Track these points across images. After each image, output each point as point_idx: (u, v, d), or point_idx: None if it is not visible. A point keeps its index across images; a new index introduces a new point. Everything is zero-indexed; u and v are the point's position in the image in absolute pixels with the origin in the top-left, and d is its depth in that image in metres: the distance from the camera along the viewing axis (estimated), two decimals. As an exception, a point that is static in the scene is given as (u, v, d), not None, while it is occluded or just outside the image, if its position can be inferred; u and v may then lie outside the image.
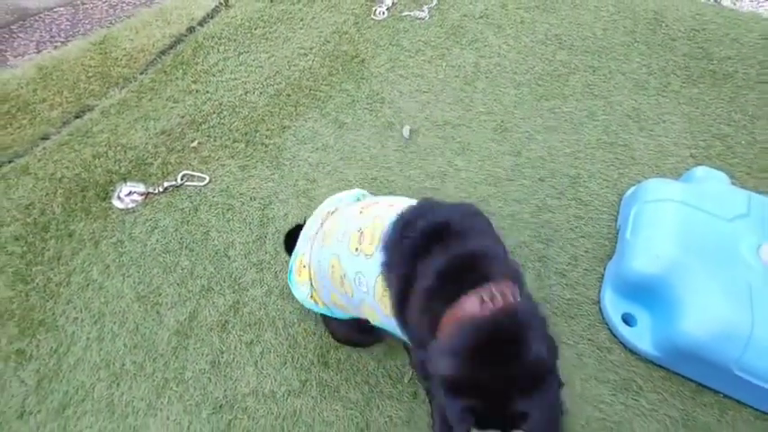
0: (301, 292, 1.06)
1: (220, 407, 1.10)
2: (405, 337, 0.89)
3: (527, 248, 1.40)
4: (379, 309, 0.86)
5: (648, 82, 1.93)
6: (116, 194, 1.49)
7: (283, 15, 2.14)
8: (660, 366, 1.17)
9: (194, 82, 1.83)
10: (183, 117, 1.71)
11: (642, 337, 1.19)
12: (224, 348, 1.19)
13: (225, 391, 1.12)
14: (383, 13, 2.22)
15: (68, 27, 2.20)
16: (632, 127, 1.77)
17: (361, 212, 0.95)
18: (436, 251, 0.76)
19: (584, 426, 1.09)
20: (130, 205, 1.47)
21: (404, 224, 0.82)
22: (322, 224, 1.06)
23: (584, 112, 1.82)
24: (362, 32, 2.09)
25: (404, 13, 2.22)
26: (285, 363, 1.17)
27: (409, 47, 2.02)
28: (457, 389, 0.68)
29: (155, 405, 1.10)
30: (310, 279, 1.03)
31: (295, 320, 1.24)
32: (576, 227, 1.46)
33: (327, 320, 1.13)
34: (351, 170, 1.57)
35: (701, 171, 1.41)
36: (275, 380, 1.14)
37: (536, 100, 1.86)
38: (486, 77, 1.94)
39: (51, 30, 2.18)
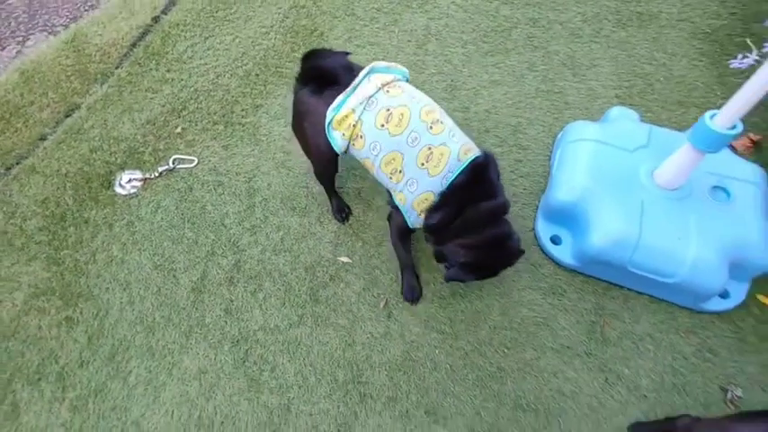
0: (335, 138, 1.24)
1: (237, 341, 1.40)
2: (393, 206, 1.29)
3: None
4: (409, 203, 1.21)
5: (583, 29, 2.12)
6: (117, 182, 1.70)
7: (241, -5, 2.24)
8: (580, 273, 1.48)
9: (168, 71, 1.98)
10: (163, 106, 1.89)
11: (565, 253, 1.49)
12: (233, 298, 1.47)
13: (239, 329, 1.42)
14: (336, -18, 2.32)
15: (26, 19, 2.26)
16: (567, 74, 1.98)
17: (431, 128, 1.18)
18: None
19: (520, 323, 1.41)
20: (132, 191, 1.69)
21: (465, 183, 1.17)
22: (380, 90, 1.19)
23: (525, 64, 2.02)
24: (318, 5, 2.21)
25: (355, -18, 2.32)
26: (284, 303, 1.46)
27: (363, 15, 2.16)
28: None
29: (185, 345, 1.39)
30: (351, 136, 1.21)
31: (288, 271, 1.51)
32: (516, 169, 1.72)
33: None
34: (321, 139, 1.79)
35: (615, 111, 1.66)
36: (278, 317, 1.43)
37: (482, 56, 2.05)
38: (437, 39, 2.11)
39: (10, 24, 2.23)
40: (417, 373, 1.34)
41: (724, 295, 1.40)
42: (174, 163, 1.73)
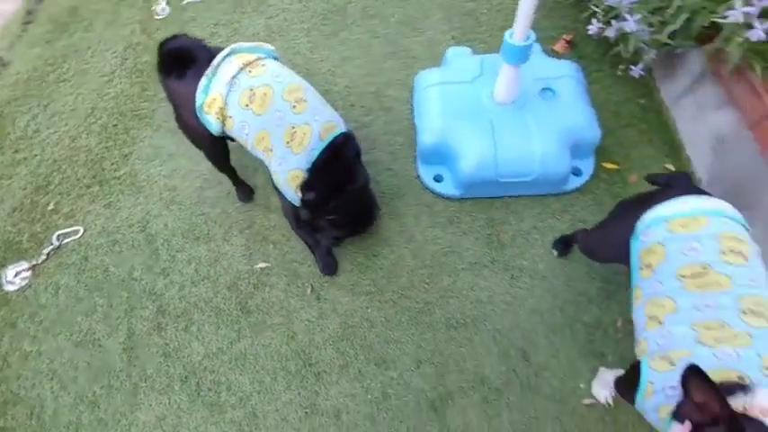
0: (209, 122, 1.29)
1: (185, 378, 1.43)
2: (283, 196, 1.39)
3: (359, 162, 1.79)
4: (283, 179, 1.30)
5: (408, -13, 2.29)
6: (4, 280, 1.61)
7: (68, 51, 2.14)
8: (466, 199, 1.68)
9: (16, 152, 1.86)
10: (24, 188, 1.78)
11: (449, 186, 1.68)
12: (168, 341, 1.49)
13: (183, 366, 1.44)
14: (164, 9, 2.28)
15: None
16: (407, 31, 2.15)
17: (294, 107, 1.25)
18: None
19: (431, 258, 1.58)
20: (23, 283, 1.61)
21: (326, 161, 1.27)
22: (242, 70, 1.23)
23: (368, 33, 2.16)
24: (153, 36, 2.17)
25: (184, 2, 2.30)
26: (219, 326, 1.50)
27: (203, 33, 2.16)
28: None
29: (135, 403, 1.40)
30: (223, 117, 1.26)
31: (212, 296, 1.55)
32: (389, 129, 1.87)
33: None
34: (202, 165, 1.80)
35: (450, 52, 1.86)
36: (217, 340, 1.48)
37: (327, 38, 2.15)
38: (280, 35, 2.18)
39: None
40: (358, 335, 1.46)
41: (577, 173, 1.66)
42: (58, 240, 1.66)
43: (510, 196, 1.66)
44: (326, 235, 1.45)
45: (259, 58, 1.32)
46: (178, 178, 1.79)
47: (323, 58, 2.09)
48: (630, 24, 1.56)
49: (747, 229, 1.02)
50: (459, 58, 1.80)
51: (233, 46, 1.32)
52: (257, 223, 1.68)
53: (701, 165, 1.61)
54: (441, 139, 1.62)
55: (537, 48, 1.84)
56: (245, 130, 1.27)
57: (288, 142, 1.25)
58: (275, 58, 1.40)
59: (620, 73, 1.77)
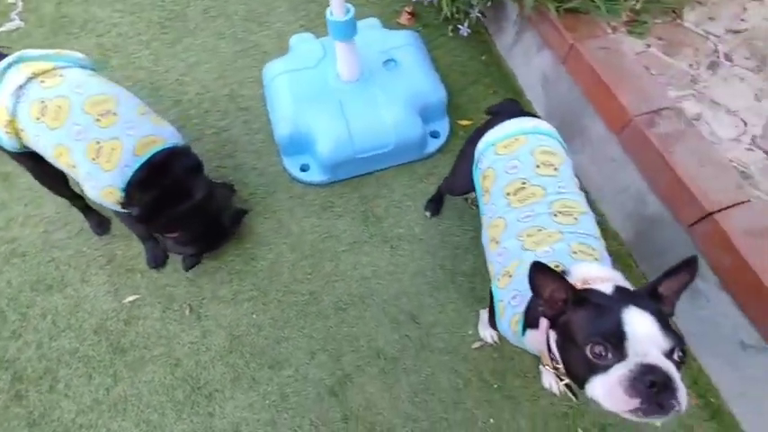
0: (1, 137, 1.16)
1: (59, 442, 1.28)
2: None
3: (219, 171, 1.71)
4: (96, 196, 1.20)
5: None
6: None
7: None
8: (336, 182, 1.67)
9: None
10: None
11: (315, 173, 1.66)
12: (31, 409, 1.32)
13: (54, 430, 1.29)
14: (-31, 44, 2.00)
15: None
16: (253, 27, 2.09)
17: (98, 121, 1.14)
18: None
19: (310, 248, 1.56)
20: None
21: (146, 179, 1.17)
22: (32, 80, 1.12)
23: (214, 35, 2.07)
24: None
25: (-5, 32, 2.04)
26: (91, 376, 1.36)
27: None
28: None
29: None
30: (15, 131, 1.15)
31: (77, 345, 1.40)
32: (249, 129, 1.81)
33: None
34: (44, 208, 1.61)
35: (293, 40, 1.83)
36: (91, 392, 1.34)
37: (169, 47, 2.03)
38: (116, 52, 2.01)
39: None
40: (247, 343, 1.40)
41: (436, 135, 1.73)
42: None
43: (378, 171, 1.69)
44: (179, 252, 1.36)
45: (56, 68, 1.19)
46: (16, 227, 1.59)
47: (168, 68, 1.97)
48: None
49: (561, 143, 1.12)
50: (303, 44, 1.78)
51: (20, 53, 1.18)
52: (119, 255, 1.54)
53: (538, 104, 1.75)
54: (295, 127, 1.59)
55: (376, 22, 1.88)
56: (40, 143, 1.16)
57: (94, 158, 1.14)
58: (86, 68, 1.28)
59: (451, 34, 1.85)
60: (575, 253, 0.89)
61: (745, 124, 1.30)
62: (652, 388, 0.59)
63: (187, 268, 1.42)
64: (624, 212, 1.45)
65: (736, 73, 1.39)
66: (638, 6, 1.50)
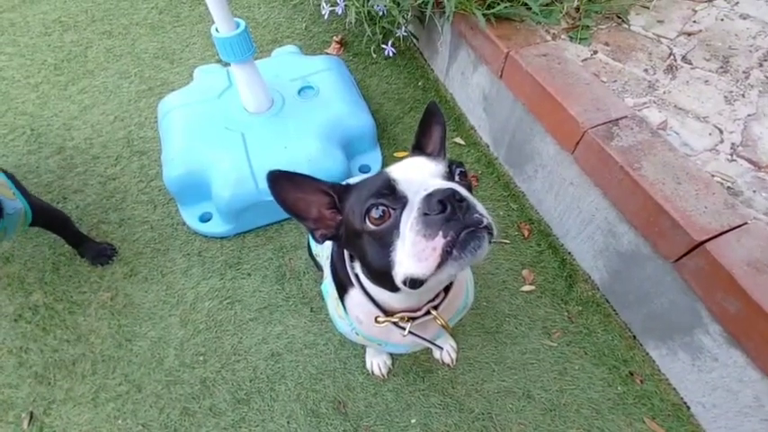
0: None
1: None
2: None
3: (104, 225, 1.39)
4: None
5: (163, 20, 2.03)
6: None
7: None
8: (246, 232, 1.36)
9: None
10: None
11: (218, 223, 1.35)
12: None
13: None
14: None
15: None
16: (164, 65, 1.85)
17: None
18: None
19: (208, 319, 1.21)
20: None
21: None
22: None
23: (116, 75, 1.82)
24: None
25: None
26: None
27: None
28: None
29: None
30: None
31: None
32: (144, 177, 1.51)
33: None
34: None
35: (196, 72, 1.59)
36: None
37: (62, 90, 1.76)
38: (1, 97, 1.73)
39: None
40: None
41: (365, 170, 1.46)
42: None
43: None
44: None
45: None
46: None
47: (55, 112, 1.69)
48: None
49: None
50: (207, 75, 1.54)
51: None
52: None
53: (483, 130, 1.51)
54: (187, 168, 1.30)
55: (294, 48, 1.67)
56: None
57: None
58: None
59: (374, 55, 1.65)
60: None
61: (721, 132, 1.08)
62: (444, 212, 0.48)
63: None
64: (593, 249, 1.17)
65: (698, 76, 1.19)
66: (579, 10, 1.32)
